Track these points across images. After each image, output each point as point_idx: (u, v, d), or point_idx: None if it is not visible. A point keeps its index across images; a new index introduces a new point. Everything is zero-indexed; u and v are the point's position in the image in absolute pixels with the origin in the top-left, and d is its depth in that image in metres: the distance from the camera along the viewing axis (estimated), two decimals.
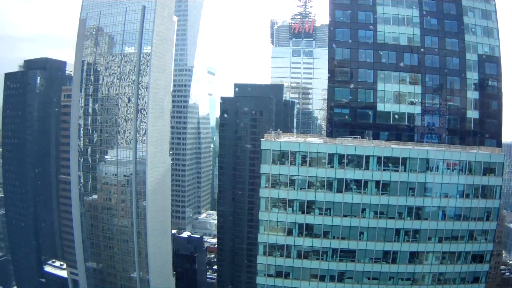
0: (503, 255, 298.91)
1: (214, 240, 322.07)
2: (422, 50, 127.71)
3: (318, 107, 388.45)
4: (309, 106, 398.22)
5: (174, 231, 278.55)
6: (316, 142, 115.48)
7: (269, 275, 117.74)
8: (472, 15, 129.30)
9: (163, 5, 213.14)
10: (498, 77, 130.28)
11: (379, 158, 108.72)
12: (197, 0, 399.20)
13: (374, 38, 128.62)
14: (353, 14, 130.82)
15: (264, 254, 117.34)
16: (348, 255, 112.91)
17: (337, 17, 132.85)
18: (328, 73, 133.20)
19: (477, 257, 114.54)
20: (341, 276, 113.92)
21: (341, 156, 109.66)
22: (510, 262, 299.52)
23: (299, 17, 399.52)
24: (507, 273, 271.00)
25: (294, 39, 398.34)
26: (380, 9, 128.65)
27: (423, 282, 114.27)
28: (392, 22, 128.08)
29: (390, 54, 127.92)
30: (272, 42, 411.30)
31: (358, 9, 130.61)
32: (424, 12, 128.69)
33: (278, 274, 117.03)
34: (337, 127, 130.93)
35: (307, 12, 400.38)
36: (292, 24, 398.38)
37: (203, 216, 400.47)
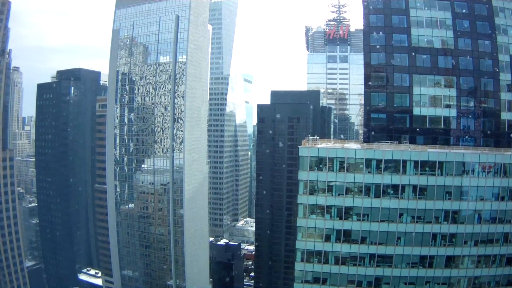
0: None
1: (252, 247, 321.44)
2: (456, 52, 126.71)
3: (355, 112, 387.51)
4: (346, 112, 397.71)
5: (211, 238, 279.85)
6: (353, 148, 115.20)
7: (307, 282, 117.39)
8: (503, 16, 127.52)
9: (197, 14, 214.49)
10: None
11: (416, 162, 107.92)
12: (231, 8, 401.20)
13: (409, 41, 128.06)
14: (387, 18, 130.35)
15: (302, 260, 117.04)
16: (385, 260, 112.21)
17: (371, 21, 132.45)
18: (364, 78, 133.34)
19: None
20: (378, 282, 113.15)
21: (379, 162, 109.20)
22: None
23: (333, 22, 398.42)
24: None
25: (329, 45, 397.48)
26: (413, 13, 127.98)
27: (458, 286, 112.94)
28: (425, 25, 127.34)
29: (425, 58, 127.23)
30: (307, 49, 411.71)
31: (392, 13, 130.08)
32: (456, 14, 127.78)
33: (316, 280, 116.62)
34: (374, 132, 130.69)
35: (341, 18, 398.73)
36: (327, 30, 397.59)
37: (240, 223, 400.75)
